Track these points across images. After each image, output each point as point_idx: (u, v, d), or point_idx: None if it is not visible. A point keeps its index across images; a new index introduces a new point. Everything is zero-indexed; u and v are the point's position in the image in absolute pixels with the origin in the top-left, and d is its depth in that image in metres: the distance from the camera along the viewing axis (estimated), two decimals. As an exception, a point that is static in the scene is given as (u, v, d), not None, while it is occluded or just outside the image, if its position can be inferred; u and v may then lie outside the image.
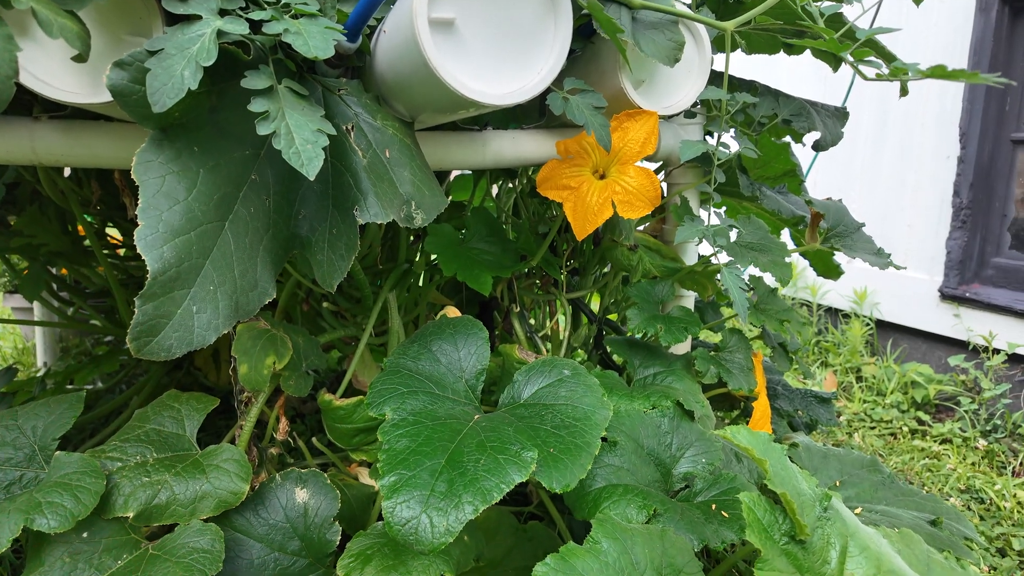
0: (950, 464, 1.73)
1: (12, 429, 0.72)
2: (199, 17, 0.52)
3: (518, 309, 1.18)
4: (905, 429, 1.96)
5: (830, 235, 1.07)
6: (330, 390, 0.86)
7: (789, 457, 1.01)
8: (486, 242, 1.07)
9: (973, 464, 1.76)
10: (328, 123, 0.56)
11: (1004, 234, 2.08)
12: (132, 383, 1.47)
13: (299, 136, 0.54)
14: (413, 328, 1.15)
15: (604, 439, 0.73)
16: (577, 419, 0.75)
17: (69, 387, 1.38)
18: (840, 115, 1.04)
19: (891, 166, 2.34)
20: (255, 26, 0.54)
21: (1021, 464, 1.74)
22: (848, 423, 2.02)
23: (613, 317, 1.28)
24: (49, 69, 0.54)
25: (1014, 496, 1.54)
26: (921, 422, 2.01)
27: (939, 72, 0.66)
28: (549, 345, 1.23)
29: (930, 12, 2.17)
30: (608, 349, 1.16)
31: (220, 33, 0.52)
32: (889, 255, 1.08)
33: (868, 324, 2.46)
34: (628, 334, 1.07)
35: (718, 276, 1.00)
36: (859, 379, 2.32)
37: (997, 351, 2.03)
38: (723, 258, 0.88)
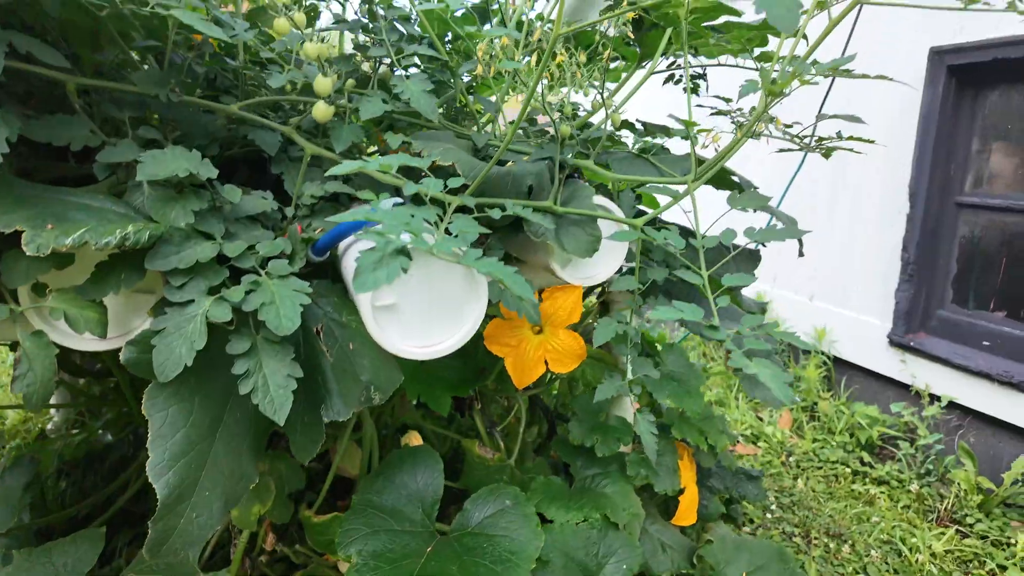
0: (880, 512, 1.91)
1: (47, 566, 0.88)
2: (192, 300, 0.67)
3: (479, 406, 1.34)
4: (847, 471, 2.14)
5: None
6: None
7: (701, 555, 1.18)
8: (448, 358, 1.23)
9: (904, 507, 1.94)
10: (297, 366, 0.71)
11: (947, 289, 2.23)
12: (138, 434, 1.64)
13: (272, 383, 0.69)
14: (391, 410, 1.32)
15: (539, 558, 0.90)
16: (513, 552, 0.92)
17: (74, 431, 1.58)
18: (753, 257, 1.18)
19: (847, 218, 2.48)
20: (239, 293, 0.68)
21: (946, 509, 1.92)
22: (797, 464, 2.20)
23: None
24: (74, 338, 0.69)
25: (928, 548, 1.72)
26: (864, 462, 2.19)
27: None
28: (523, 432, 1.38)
29: (888, 84, 2.28)
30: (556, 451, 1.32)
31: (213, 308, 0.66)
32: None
33: (826, 362, 2.63)
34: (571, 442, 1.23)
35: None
36: (813, 416, 2.49)
37: (937, 398, 2.19)
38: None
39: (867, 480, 2.09)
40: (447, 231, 0.62)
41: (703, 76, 1.27)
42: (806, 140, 1.11)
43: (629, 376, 1.00)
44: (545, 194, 0.92)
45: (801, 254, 1.16)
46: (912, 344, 2.23)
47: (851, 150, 1.14)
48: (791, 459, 2.22)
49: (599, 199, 0.96)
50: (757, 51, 1.06)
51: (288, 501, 1.01)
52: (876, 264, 2.37)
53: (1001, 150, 2.04)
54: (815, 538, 1.76)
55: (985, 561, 1.68)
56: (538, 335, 1.02)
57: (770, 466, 2.16)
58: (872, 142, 1.08)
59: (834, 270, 2.57)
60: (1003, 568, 1.65)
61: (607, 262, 0.99)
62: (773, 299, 2.89)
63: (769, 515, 1.86)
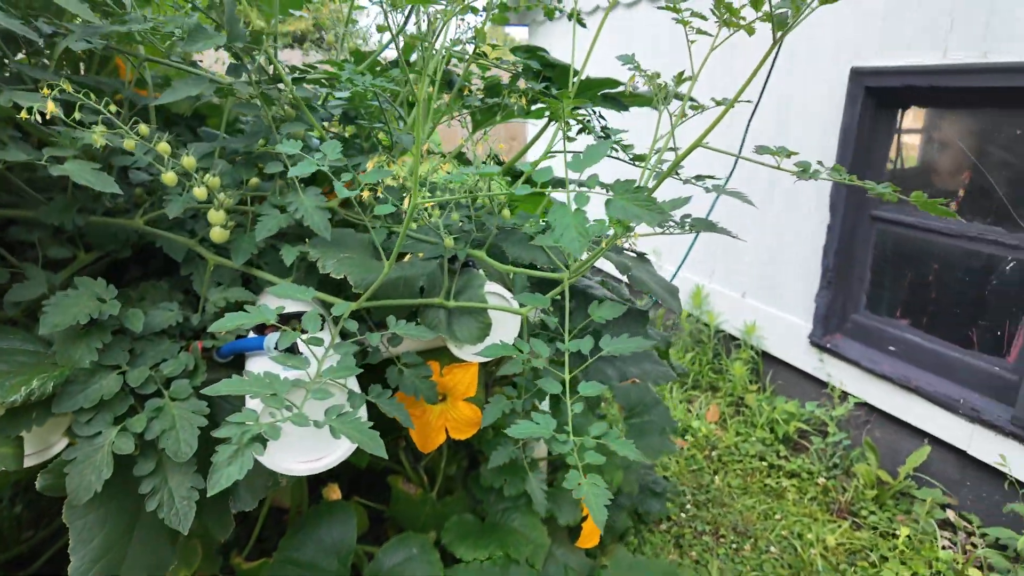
0: (787, 506, 2.10)
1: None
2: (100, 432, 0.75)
3: (404, 444, 1.46)
4: (764, 465, 2.33)
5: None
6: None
7: (595, 581, 1.33)
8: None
9: (811, 499, 2.14)
10: (200, 477, 0.81)
11: (862, 295, 2.39)
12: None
13: (177, 496, 0.79)
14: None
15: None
16: (415, 601, 1.05)
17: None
18: (642, 318, 1.29)
19: (779, 223, 2.60)
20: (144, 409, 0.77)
21: (846, 502, 2.12)
22: (719, 458, 2.38)
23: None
24: (-4, 462, 0.78)
25: (822, 542, 1.91)
26: (780, 456, 2.38)
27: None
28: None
29: (814, 101, 2.37)
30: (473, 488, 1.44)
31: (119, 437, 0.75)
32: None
33: (755, 356, 2.79)
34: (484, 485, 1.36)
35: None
36: (739, 409, 2.68)
37: (849, 396, 2.38)
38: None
39: (781, 473, 2.29)
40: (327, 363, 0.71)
41: (606, 129, 1.34)
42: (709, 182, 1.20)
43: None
44: (438, 289, 1.01)
45: (735, 237, 1.27)
46: (828, 345, 2.40)
47: (744, 198, 1.24)
48: (714, 453, 2.40)
49: (491, 286, 1.05)
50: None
51: (215, 555, 1.12)
52: (802, 268, 2.51)
53: (912, 167, 2.16)
54: (723, 535, 1.95)
55: (870, 553, 1.88)
56: (440, 404, 1.12)
57: (693, 461, 2.34)
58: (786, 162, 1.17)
59: (765, 270, 2.71)
60: (884, 559, 1.86)
61: (503, 336, 1.09)
62: (710, 293, 3.03)
63: (684, 514, 2.04)
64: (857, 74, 2.18)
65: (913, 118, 2.14)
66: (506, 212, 1.08)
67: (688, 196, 1.03)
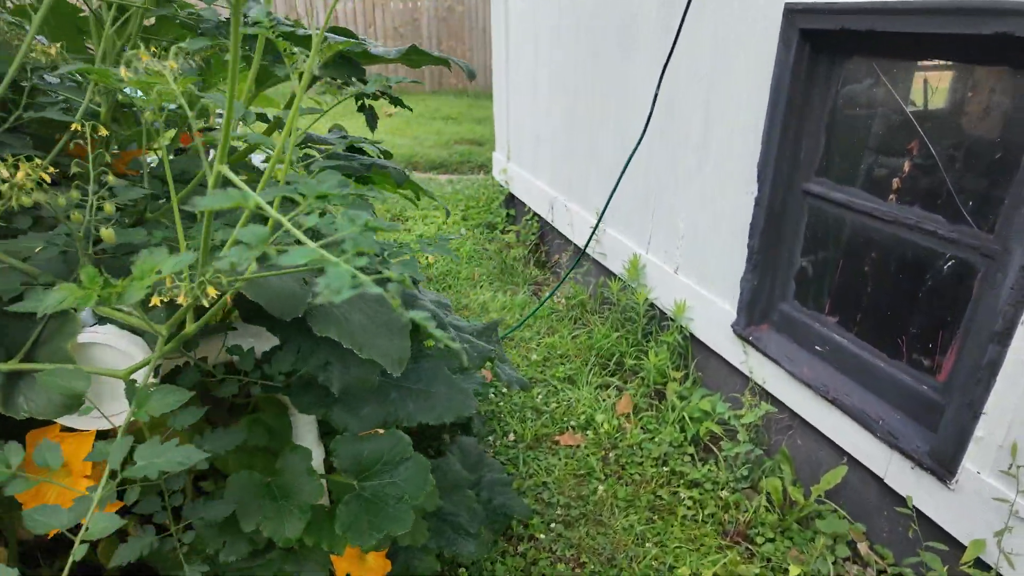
0: (672, 527, 1.84)
1: None
2: None
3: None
4: (664, 471, 2.06)
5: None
6: None
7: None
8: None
9: (706, 518, 1.87)
10: None
11: (790, 282, 2.02)
12: None
13: None
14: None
15: None
16: None
17: None
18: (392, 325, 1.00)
19: (711, 191, 2.22)
20: None
21: (744, 523, 1.85)
22: (616, 460, 2.12)
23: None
24: None
25: (694, 580, 1.66)
26: (685, 461, 2.10)
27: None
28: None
29: (749, 42, 1.93)
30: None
31: None
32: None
33: (684, 338, 2.47)
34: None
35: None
36: (654, 403, 2.38)
37: (766, 396, 2.06)
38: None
39: (681, 483, 2.02)
40: None
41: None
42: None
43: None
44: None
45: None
46: (751, 338, 2.07)
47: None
48: (612, 454, 2.14)
49: (98, 333, 0.77)
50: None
51: None
52: (729, 246, 2.15)
53: (850, 135, 1.74)
54: (584, 563, 1.71)
55: (747, 594, 1.63)
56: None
57: (584, 464, 2.08)
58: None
59: (696, 245, 2.35)
60: (761, 605, 1.60)
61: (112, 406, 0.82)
62: (646, 265, 2.68)
63: (548, 533, 1.80)
64: (791, 12, 1.74)
65: (854, 72, 1.70)
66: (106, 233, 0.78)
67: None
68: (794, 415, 2.00)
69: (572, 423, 2.27)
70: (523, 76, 3.81)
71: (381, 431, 1.08)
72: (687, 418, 2.19)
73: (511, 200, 4.29)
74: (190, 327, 0.77)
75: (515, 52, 3.90)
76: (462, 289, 3.26)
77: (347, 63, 1.02)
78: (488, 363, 1.41)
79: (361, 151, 1.52)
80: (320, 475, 1.10)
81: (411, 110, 1.28)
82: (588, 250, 3.11)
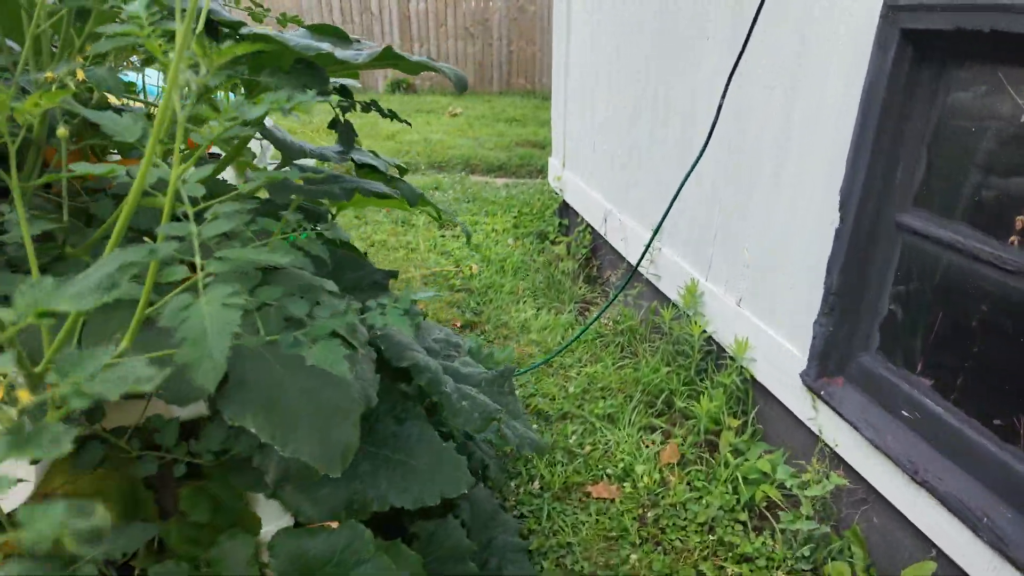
0: (712, 614, 1.57)
1: None
2: None
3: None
4: (711, 540, 1.78)
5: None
6: None
7: None
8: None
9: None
10: None
11: (875, 331, 1.69)
12: None
13: None
14: None
15: None
16: None
17: None
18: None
19: (785, 212, 1.91)
20: None
21: (803, 617, 1.55)
22: (655, 521, 1.85)
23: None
24: None
25: None
26: (736, 530, 1.81)
27: None
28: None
29: (838, 40, 1.62)
30: None
31: None
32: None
33: (745, 380, 2.17)
34: None
35: None
36: (704, 455, 2.09)
37: (843, 462, 1.74)
38: None
39: (729, 557, 1.73)
40: None
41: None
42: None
43: None
44: None
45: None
46: (823, 392, 1.75)
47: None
48: (651, 513, 1.87)
49: None
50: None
51: None
52: (803, 281, 1.84)
53: (959, 158, 1.41)
54: (604, 652, 1.47)
55: None
56: None
57: (617, 523, 1.83)
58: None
59: (764, 276, 2.04)
60: None
61: None
62: (704, 292, 2.39)
63: (566, 610, 1.57)
64: (892, 9, 1.42)
65: (968, 80, 1.37)
66: None
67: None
68: (871, 488, 1.67)
69: (608, 471, 2.02)
70: (581, 78, 3.56)
71: (334, 524, 0.88)
72: (741, 478, 1.90)
73: (565, 209, 4.05)
74: (51, 415, 0.59)
75: (575, 52, 3.65)
76: (503, 304, 3.05)
77: (307, 69, 0.82)
78: (495, 422, 1.19)
79: (372, 167, 1.33)
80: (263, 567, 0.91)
81: (409, 124, 1.08)
82: (641, 270, 2.83)
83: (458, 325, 2.82)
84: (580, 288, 3.23)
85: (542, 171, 5.60)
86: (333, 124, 0.96)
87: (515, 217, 4.20)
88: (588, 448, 2.11)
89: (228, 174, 1.73)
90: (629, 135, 2.97)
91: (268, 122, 2.06)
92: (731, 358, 2.20)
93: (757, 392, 2.14)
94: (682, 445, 2.10)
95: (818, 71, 1.70)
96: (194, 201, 0.59)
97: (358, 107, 1.00)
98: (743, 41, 1.94)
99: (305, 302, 0.69)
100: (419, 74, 0.89)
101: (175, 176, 0.57)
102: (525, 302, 3.07)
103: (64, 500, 0.91)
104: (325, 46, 0.77)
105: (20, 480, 0.72)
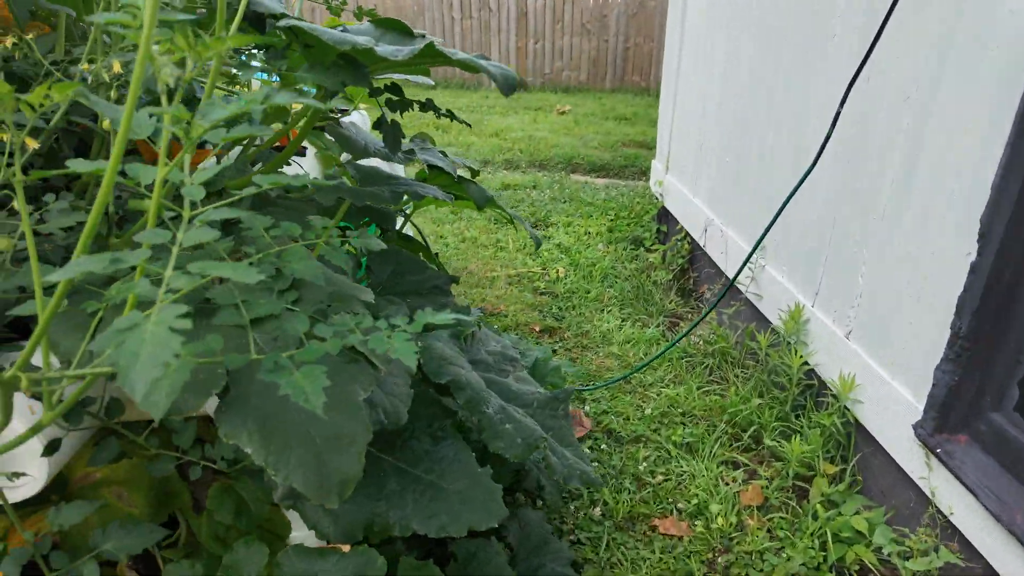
0: None
1: None
2: None
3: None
4: (787, 601, 1.58)
5: None
6: None
7: None
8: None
9: None
10: None
11: (1011, 387, 1.42)
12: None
13: None
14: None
15: None
16: None
17: None
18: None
19: (911, 231, 1.65)
20: None
21: None
22: (726, 568, 1.68)
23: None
24: None
25: None
26: (820, 592, 1.60)
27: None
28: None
29: (982, 62, 1.37)
30: None
31: None
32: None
33: (848, 423, 1.92)
34: None
35: None
36: (790, 501, 1.87)
37: (951, 531, 1.49)
38: None
39: (807, 623, 1.53)
40: None
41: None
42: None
43: None
44: None
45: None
46: (940, 450, 1.50)
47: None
48: (722, 559, 1.70)
49: None
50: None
51: None
52: (926, 318, 1.59)
53: None
54: None
55: None
56: None
57: (683, 567, 1.67)
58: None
59: (879, 306, 1.79)
60: None
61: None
62: (809, 320, 2.15)
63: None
64: (1067, -2, 1.17)
65: None
66: None
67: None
68: (990, 569, 1.41)
69: (679, 505, 1.86)
70: (693, 76, 3.35)
71: (346, 548, 0.83)
72: (832, 534, 1.68)
73: (664, 215, 3.84)
74: (47, 416, 0.57)
75: (688, 47, 3.44)
76: (587, 312, 2.93)
77: (348, 65, 0.77)
78: (539, 448, 1.10)
79: (439, 169, 1.28)
80: (275, 583, 0.88)
81: (469, 126, 1.01)
82: (740, 287, 2.61)
83: (536, 330, 2.74)
84: (671, 301, 3.04)
85: (646, 173, 5.38)
86: (377, 124, 0.91)
87: (611, 220, 4.05)
88: (660, 478, 1.96)
89: (314, 168, 1.74)
90: (739, 140, 2.75)
91: (357, 116, 2.07)
92: (834, 396, 1.96)
93: (860, 438, 1.89)
94: (767, 487, 1.89)
95: (964, 77, 1.44)
96: (195, 204, 0.55)
97: (415, 106, 0.94)
98: (872, 40, 1.70)
99: (304, 318, 0.63)
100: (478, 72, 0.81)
101: (160, 178, 0.53)
102: (610, 311, 2.93)
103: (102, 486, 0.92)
104: (362, 40, 0.71)
105: (25, 475, 0.72)
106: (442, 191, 1.07)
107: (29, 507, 0.86)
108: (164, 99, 0.51)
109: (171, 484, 0.98)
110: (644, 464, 2.01)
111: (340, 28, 0.95)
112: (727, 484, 1.92)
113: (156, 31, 0.53)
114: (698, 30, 3.25)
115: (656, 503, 1.87)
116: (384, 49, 0.72)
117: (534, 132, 6.46)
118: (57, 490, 0.92)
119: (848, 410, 1.91)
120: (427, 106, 0.94)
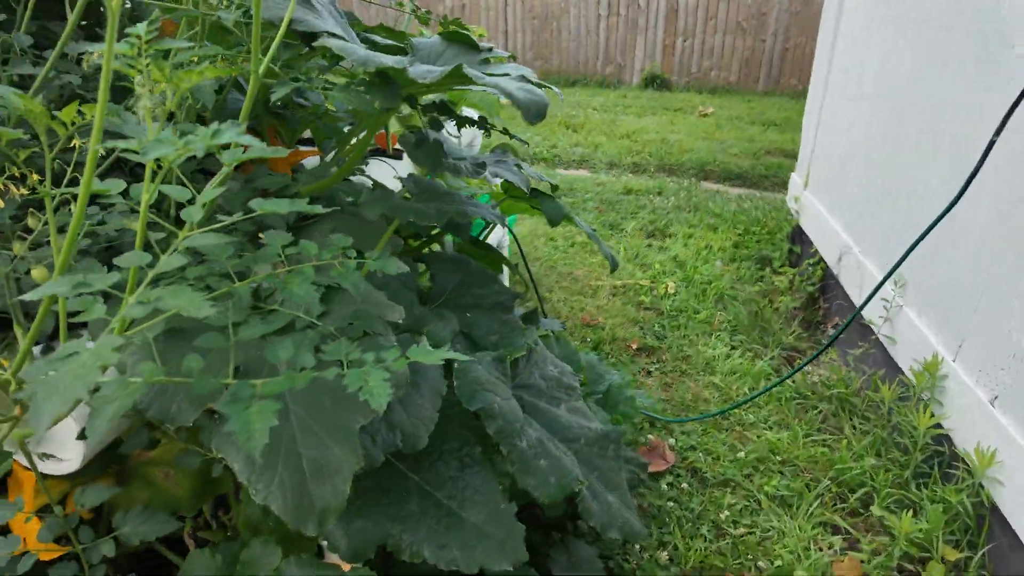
0: None
1: None
2: None
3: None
4: None
5: None
6: None
7: None
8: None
9: None
10: None
11: None
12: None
13: None
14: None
15: None
16: None
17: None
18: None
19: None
20: None
21: None
22: (803, 647, 1.49)
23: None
24: None
25: None
26: None
27: None
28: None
29: None
30: None
31: None
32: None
33: (976, 505, 1.62)
34: None
35: None
36: (903, 581, 1.61)
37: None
38: None
39: None
40: None
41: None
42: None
43: None
44: None
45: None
46: (1097, 564, 1.21)
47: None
48: (800, 636, 1.51)
49: None
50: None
51: None
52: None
53: None
54: None
55: None
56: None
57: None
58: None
59: (1002, 293, 1.49)
60: None
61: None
62: (947, 375, 1.84)
63: None
64: None
65: None
66: None
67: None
68: None
69: (760, 564, 1.68)
70: (843, 84, 3.01)
71: (346, 567, 0.82)
72: (940, 635, 1.43)
73: (799, 234, 3.51)
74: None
75: (840, 50, 3.10)
76: (692, 334, 2.74)
77: (383, 84, 0.74)
78: (575, 491, 1.03)
79: (511, 184, 1.23)
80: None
81: (527, 144, 0.95)
82: (873, 326, 2.31)
83: (633, 347, 2.61)
84: (792, 333, 2.76)
85: (788, 185, 4.95)
86: (419, 144, 0.88)
87: (738, 235, 3.77)
88: (743, 530, 1.78)
89: (409, 171, 1.77)
90: (887, 161, 2.42)
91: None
92: (967, 471, 1.67)
93: (995, 524, 1.59)
94: (867, 562, 1.65)
95: None
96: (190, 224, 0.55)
97: (467, 124, 0.91)
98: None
99: (289, 344, 0.62)
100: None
101: (145, 200, 0.53)
102: (719, 336, 2.73)
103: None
104: (388, 60, 0.68)
105: (53, 456, 0.78)
106: (491, 211, 1.02)
107: (87, 477, 0.94)
108: (149, 123, 0.52)
109: (215, 468, 1.03)
110: (728, 512, 1.84)
111: (405, 42, 0.94)
112: (820, 550, 1.71)
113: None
114: (853, 31, 2.91)
115: (734, 557, 1.70)
116: (417, 70, 0.69)
117: (669, 135, 6.20)
118: (118, 462, 1.01)
119: (983, 489, 1.61)
120: (481, 124, 0.90)
